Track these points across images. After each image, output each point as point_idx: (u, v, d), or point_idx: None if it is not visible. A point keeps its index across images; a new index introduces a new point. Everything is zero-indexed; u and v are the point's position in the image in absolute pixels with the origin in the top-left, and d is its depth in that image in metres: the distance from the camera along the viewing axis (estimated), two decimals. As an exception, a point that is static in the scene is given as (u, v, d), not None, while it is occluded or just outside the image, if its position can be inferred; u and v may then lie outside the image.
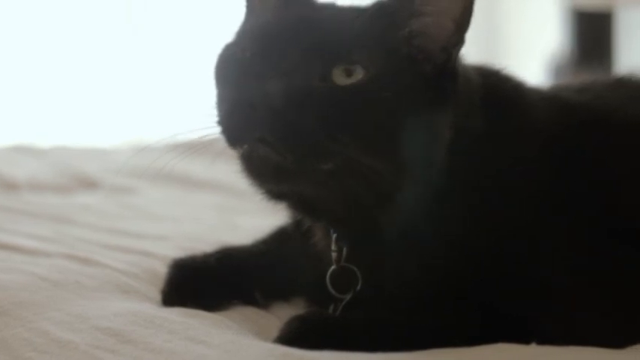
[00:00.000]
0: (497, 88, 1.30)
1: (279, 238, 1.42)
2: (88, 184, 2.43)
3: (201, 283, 1.33)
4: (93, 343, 1.13)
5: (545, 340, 1.16)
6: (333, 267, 1.27)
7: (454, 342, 1.16)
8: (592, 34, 4.86)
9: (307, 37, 1.16)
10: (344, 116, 1.13)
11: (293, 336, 1.16)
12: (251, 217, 1.98)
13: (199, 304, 1.28)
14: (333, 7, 1.26)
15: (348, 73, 1.15)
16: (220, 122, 1.18)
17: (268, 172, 1.16)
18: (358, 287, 1.26)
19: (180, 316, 1.22)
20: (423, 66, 1.19)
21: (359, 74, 1.15)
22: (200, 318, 1.23)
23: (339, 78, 1.15)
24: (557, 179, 1.25)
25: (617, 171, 1.28)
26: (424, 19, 1.18)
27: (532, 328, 1.17)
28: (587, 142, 1.29)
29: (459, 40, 1.19)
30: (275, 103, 1.11)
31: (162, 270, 1.39)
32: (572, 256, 1.22)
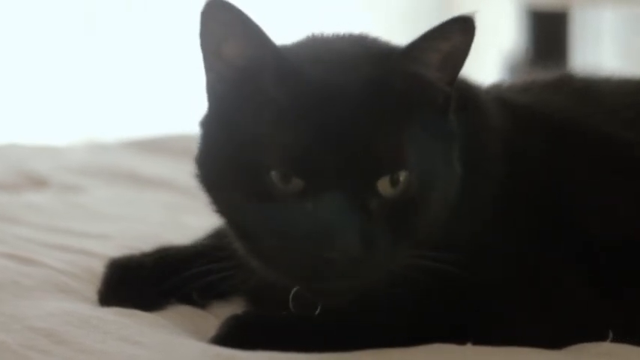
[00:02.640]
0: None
1: (219, 238, 1.41)
2: (38, 182, 2.39)
3: (137, 282, 1.31)
4: (26, 343, 1.12)
5: (481, 340, 1.16)
6: None
7: (390, 343, 1.16)
8: (548, 33, 4.88)
9: (348, 157, 1.10)
10: (404, 228, 1.14)
11: (228, 336, 1.15)
12: (200, 216, 1.96)
13: (136, 303, 1.27)
14: (332, 87, 1.14)
15: (393, 182, 1.13)
16: (286, 269, 1.15)
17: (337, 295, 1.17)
18: (318, 310, 1.22)
19: (115, 316, 1.21)
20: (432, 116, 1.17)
21: (401, 177, 1.13)
22: (135, 318, 1.22)
23: (385, 188, 1.12)
24: (505, 183, 1.25)
25: (557, 176, 1.28)
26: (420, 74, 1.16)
27: (469, 329, 1.17)
28: (532, 146, 1.29)
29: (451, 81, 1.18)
30: (354, 255, 1.09)
31: (102, 269, 1.37)
32: (510, 257, 1.22)
